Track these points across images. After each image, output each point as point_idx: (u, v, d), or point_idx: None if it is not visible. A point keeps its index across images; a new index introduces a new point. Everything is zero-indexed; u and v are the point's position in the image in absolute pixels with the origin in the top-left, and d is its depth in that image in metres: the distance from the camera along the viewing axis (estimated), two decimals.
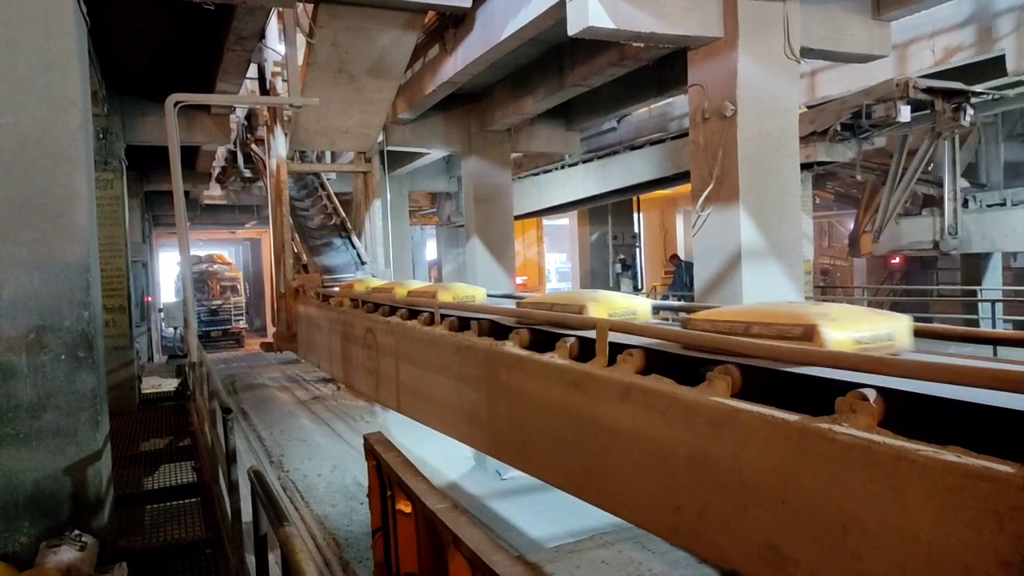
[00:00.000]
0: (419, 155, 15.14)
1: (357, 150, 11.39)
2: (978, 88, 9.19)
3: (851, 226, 17.71)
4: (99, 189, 9.65)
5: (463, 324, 4.62)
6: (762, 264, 6.45)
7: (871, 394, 1.93)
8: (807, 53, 7.05)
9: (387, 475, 3.11)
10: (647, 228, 21.12)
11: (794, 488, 2.04)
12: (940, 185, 12.80)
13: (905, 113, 8.53)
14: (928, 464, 1.69)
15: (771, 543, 2.12)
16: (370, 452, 3.36)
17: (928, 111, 9.06)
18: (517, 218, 14.74)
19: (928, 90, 8.55)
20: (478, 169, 13.40)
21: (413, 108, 11.72)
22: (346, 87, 9.22)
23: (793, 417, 2.07)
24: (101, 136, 9.96)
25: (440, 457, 7.59)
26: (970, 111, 8.86)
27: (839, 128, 9.34)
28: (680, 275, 15.54)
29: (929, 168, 12.99)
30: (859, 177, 13.01)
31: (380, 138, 11.39)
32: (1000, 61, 8.76)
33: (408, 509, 2.89)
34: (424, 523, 2.67)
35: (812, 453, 1.99)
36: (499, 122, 12.60)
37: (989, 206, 12.77)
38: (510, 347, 3.74)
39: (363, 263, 11.47)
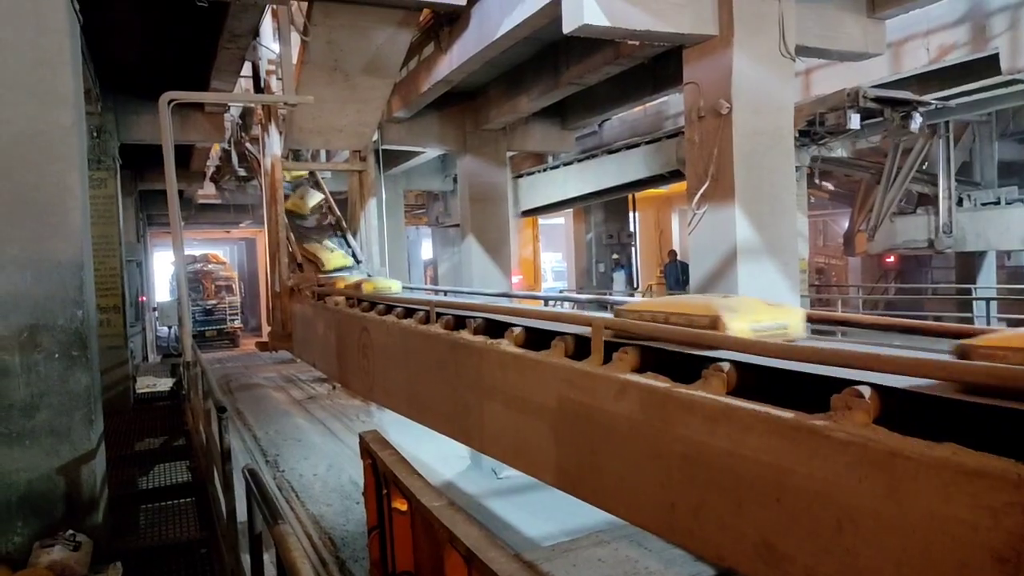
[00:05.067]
0: (414, 154, 15.09)
1: (352, 148, 11.33)
2: (965, 88, 9.29)
3: (846, 225, 17.72)
4: (93, 188, 9.58)
5: (459, 323, 4.61)
6: (757, 262, 6.45)
7: (866, 391, 1.93)
8: (802, 51, 7.06)
9: (383, 473, 3.10)
10: (643, 227, 21.10)
11: (789, 485, 2.04)
12: (935, 184, 12.83)
13: (855, 121, 8.69)
14: (923, 461, 1.68)
15: (767, 540, 2.11)
16: (366, 450, 3.35)
17: (880, 119, 9.22)
18: None
19: (877, 99, 8.69)
20: (473, 168, 13.37)
21: (408, 106, 11.69)
22: (341, 85, 9.18)
23: (788, 414, 2.07)
24: (95, 135, 9.92)
25: (436, 456, 7.57)
26: (918, 119, 9.02)
27: (797, 134, 9.47)
28: (674, 272, 15.54)
29: (924, 167, 13.03)
30: (817, 180, 13.20)
31: (375, 136, 11.36)
32: (995, 60, 8.79)
33: (404, 507, 2.88)
34: (420, 521, 2.66)
35: (807, 450, 1.98)
36: (494, 121, 12.58)
37: (983, 205, 12.81)
38: (505, 345, 3.74)
39: (359, 262, 11.42)
